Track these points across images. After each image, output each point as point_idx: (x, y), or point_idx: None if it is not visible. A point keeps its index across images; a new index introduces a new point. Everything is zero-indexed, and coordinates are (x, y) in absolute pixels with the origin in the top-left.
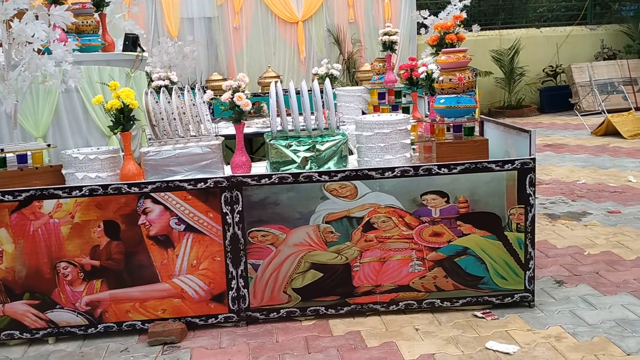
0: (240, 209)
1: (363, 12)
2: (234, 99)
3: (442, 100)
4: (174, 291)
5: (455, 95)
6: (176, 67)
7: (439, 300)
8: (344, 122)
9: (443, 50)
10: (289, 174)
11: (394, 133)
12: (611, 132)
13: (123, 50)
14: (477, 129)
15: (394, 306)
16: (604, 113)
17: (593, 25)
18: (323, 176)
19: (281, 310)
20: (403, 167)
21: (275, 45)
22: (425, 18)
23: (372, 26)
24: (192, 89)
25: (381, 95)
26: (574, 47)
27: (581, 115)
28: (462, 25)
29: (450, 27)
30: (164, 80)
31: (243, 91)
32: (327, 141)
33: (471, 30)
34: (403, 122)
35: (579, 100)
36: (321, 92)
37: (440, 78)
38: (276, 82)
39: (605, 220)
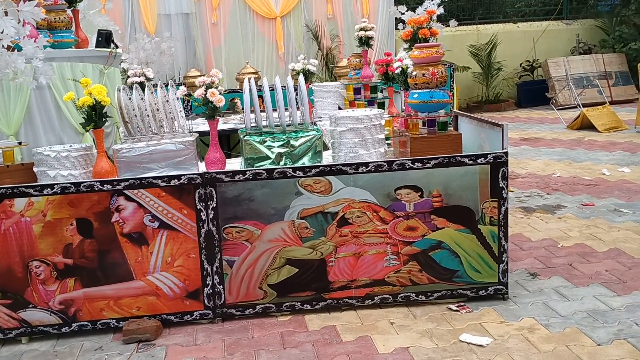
0: (215, 205)
1: (341, 7)
2: (207, 95)
3: (415, 95)
4: (148, 289)
5: (428, 90)
6: (153, 64)
7: (414, 294)
8: (320, 117)
9: (416, 45)
10: (263, 169)
11: (368, 128)
12: (586, 125)
13: (96, 47)
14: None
15: (370, 300)
16: (580, 107)
17: (569, 20)
18: (297, 172)
19: (257, 306)
20: (377, 162)
21: (254, 41)
22: (403, 13)
23: (350, 22)
24: (167, 85)
25: (357, 91)
26: (550, 42)
27: (557, 110)
28: (436, 20)
29: (423, 22)
30: (139, 76)
31: (216, 87)
32: (301, 137)
33: (448, 26)
34: (377, 117)
35: (555, 95)
36: (296, 88)
37: (414, 73)
38: (250, 78)
39: (579, 213)
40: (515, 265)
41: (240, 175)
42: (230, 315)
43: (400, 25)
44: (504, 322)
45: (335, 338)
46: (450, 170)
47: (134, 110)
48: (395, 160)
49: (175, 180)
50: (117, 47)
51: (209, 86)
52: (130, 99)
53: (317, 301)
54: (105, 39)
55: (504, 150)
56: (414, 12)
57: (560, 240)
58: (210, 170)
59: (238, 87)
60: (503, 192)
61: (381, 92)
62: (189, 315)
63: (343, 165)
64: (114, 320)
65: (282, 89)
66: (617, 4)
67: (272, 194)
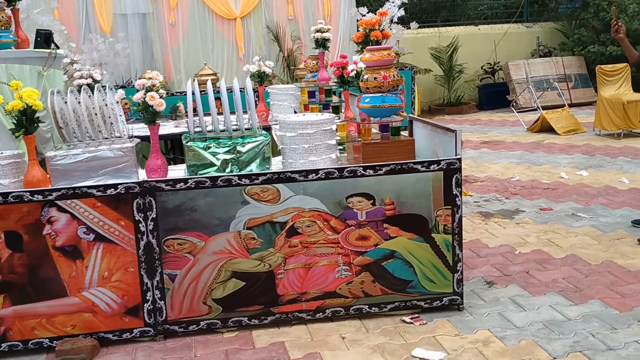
0: (155, 216)
1: (302, 8)
2: (146, 99)
3: (367, 100)
4: (84, 305)
5: (380, 94)
6: (107, 65)
7: (367, 306)
8: (276, 121)
9: (367, 47)
10: (207, 177)
11: (319, 134)
12: (546, 128)
13: (35, 47)
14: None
15: (321, 314)
16: (539, 110)
17: (529, 23)
18: (243, 179)
19: (201, 322)
20: (327, 169)
21: (213, 42)
22: (364, 15)
23: (311, 23)
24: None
25: (311, 94)
26: (511, 45)
27: (518, 112)
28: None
29: (375, 23)
30: (86, 78)
31: (157, 90)
32: (248, 142)
33: (409, 28)
34: (328, 122)
35: (515, 97)
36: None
37: (365, 76)
38: (193, 80)
39: (537, 218)
40: (472, 273)
41: (182, 183)
42: (173, 332)
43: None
44: (458, 334)
45: (283, 355)
46: (403, 177)
47: (69, 115)
48: (346, 167)
49: (112, 189)
50: (57, 47)
51: (148, 89)
52: (66, 102)
53: (265, 316)
54: (44, 39)
55: (457, 157)
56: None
57: (517, 247)
58: (149, 179)
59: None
60: (457, 199)
61: (339, 95)
62: (128, 333)
63: (292, 172)
64: (47, 340)
65: (241, 91)
66: (577, 7)
67: (216, 204)
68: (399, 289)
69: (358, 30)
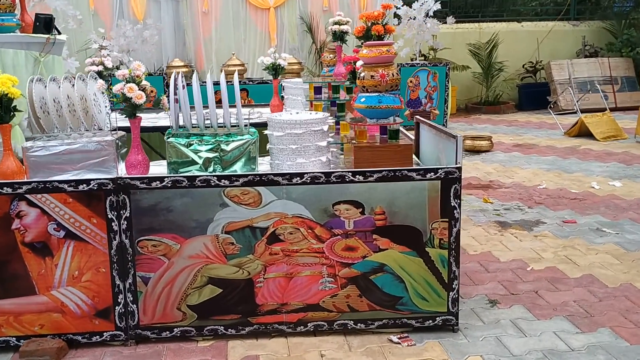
0: (128, 215)
1: (338, 0)
2: (124, 91)
3: (362, 99)
4: (52, 305)
5: (377, 94)
6: (135, 52)
7: (352, 322)
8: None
9: (365, 43)
10: (184, 177)
11: (308, 134)
12: (584, 133)
13: (33, 32)
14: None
15: (302, 327)
16: (579, 113)
17: (576, 22)
18: (222, 180)
19: (175, 329)
20: (313, 172)
21: (246, 32)
22: (398, 8)
23: (347, 15)
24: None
25: (317, 90)
26: (555, 43)
27: (557, 114)
28: (427, 16)
29: (377, 17)
30: (97, 65)
31: (140, 82)
32: (233, 141)
33: (445, 22)
34: (319, 122)
35: (556, 99)
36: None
37: (362, 74)
38: (178, 72)
39: (558, 231)
40: (476, 289)
41: (158, 182)
42: (145, 337)
43: (395, 20)
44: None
45: None
46: (396, 185)
47: (47, 104)
48: (333, 172)
49: (84, 185)
50: (59, 33)
51: (129, 80)
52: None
53: (242, 326)
54: (44, 24)
55: (457, 165)
56: (410, 7)
57: (530, 262)
58: (123, 176)
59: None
60: (455, 211)
61: (354, 92)
62: (98, 336)
63: (275, 175)
64: (14, 339)
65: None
66: (631, 6)
67: (193, 205)
68: (387, 305)
69: (399, 24)
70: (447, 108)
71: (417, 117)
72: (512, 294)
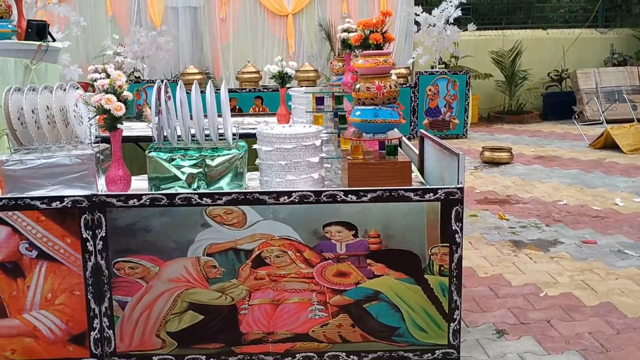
0: (104, 234)
1: (357, 6)
2: (102, 102)
3: (357, 113)
4: (25, 329)
5: (373, 107)
6: (149, 58)
7: (344, 354)
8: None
9: (361, 52)
10: (163, 194)
11: (298, 149)
12: (611, 145)
13: (25, 39)
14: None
15: (290, 358)
16: (605, 124)
17: (604, 29)
18: (204, 199)
19: (154, 358)
20: (301, 191)
21: (264, 39)
22: (418, 15)
23: None
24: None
25: (319, 101)
26: (581, 51)
27: (583, 125)
28: (447, 22)
29: (376, 24)
30: (100, 72)
31: (121, 92)
32: (218, 155)
33: (466, 30)
34: (310, 137)
35: (581, 108)
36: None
37: (357, 86)
38: (163, 81)
39: (577, 252)
40: (483, 317)
41: (135, 200)
42: None
43: (414, 27)
44: None
45: None
46: (392, 207)
47: (25, 116)
48: (324, 191)
49: (57, 202)
50: (53, 40)
51: (109, 91)
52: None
53: (226, 355)
54: (36, 30)
55: (459, 186)
56: (430, 14)
57: (544, 287)
58: (98, 193)
59: (238, 86)
60: (456, 236)
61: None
62: None
63: (260, 193)
64: None
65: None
66: None
67: (173, 225)
68: (383, 336)
69: (417, 30)
70: (467, 117)
71: (422, 131)
72: (522, 323)
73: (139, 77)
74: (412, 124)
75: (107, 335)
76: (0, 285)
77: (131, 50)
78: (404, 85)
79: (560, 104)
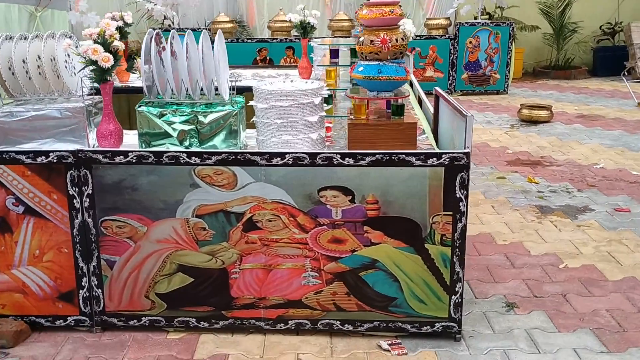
0: (91, 191)
1: None
2: (88, 52)
3: (360, 69)
4: (14, 284)
5: (377, 62)
6: (180, 6)
7: (338, 322)
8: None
9: (366, 2)
10: (150, 151)
11: (295, 107)
12: None
13: None
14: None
15: (282, 325)
16: None
17: None
18: (193, 158)
19: (143, 318)
20: (295, 152)
21: None
22: None
23: None
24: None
25: (334, 53)
26: (638, 3)
27: (632, 82)
28: None
29: None
30: (117, 20)
31: (111, 42)
32: (211, 112)
33: None
34: (309, 94)
35: (633, 64)
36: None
37: (361, 39)
38: (156, 31)
39: (606, 221)
40: (494, 288)
41: (121, 156)
42: (112, 324)
43: None
44: None
45: None
46: (392, 171)
47: (16, 66)
48: (319, 153)
49: (43, 157)
50: None
51: (98, 41)
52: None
53: (216, 319)
54: None
55: (465, 150)
56: None
57: (565, 258)
58: (84, 148)
59: (270, 35)
60: (460, 204)
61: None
62: (62, 320)
63: (252, 154)
64: None
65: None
66: None
67: (161, 184)
68: (379, 306)
69: None
70: (509, 72)
71: (436, 88)
72: (535, 296)
73: (169, 26)
74: (451, 77)
75: (96, 294)
76: None
77: None
78: (443, 37)
79: (611, 59)
